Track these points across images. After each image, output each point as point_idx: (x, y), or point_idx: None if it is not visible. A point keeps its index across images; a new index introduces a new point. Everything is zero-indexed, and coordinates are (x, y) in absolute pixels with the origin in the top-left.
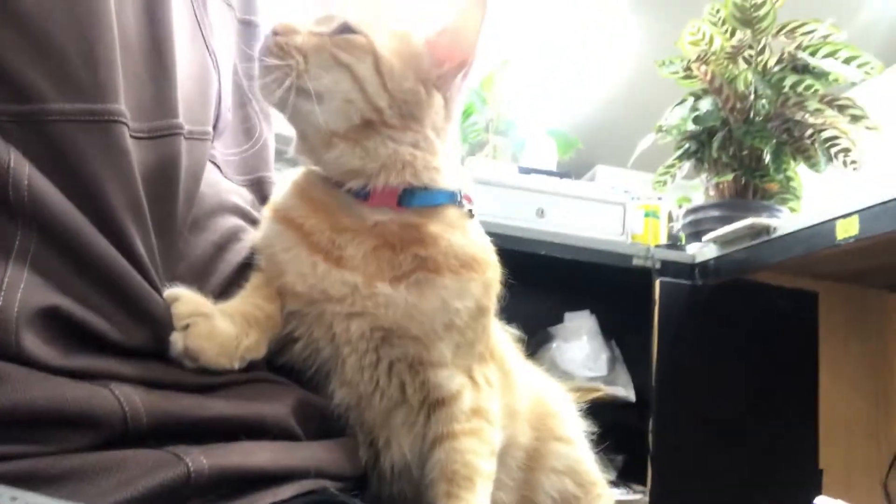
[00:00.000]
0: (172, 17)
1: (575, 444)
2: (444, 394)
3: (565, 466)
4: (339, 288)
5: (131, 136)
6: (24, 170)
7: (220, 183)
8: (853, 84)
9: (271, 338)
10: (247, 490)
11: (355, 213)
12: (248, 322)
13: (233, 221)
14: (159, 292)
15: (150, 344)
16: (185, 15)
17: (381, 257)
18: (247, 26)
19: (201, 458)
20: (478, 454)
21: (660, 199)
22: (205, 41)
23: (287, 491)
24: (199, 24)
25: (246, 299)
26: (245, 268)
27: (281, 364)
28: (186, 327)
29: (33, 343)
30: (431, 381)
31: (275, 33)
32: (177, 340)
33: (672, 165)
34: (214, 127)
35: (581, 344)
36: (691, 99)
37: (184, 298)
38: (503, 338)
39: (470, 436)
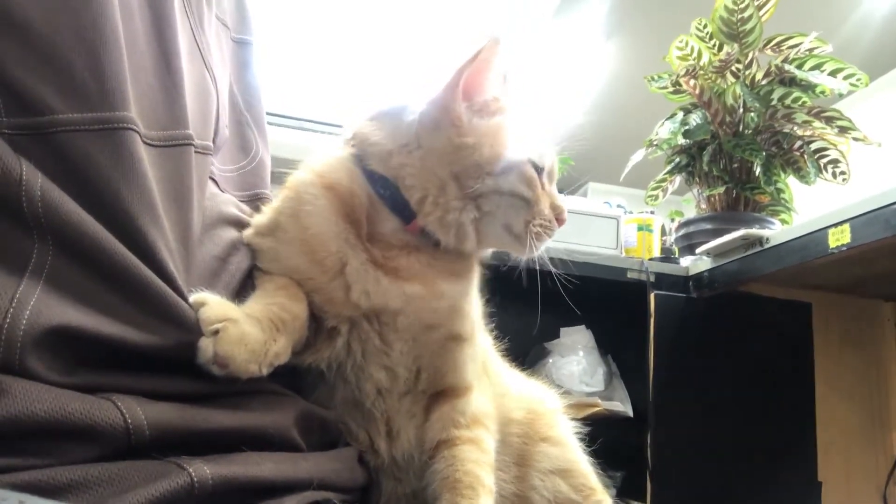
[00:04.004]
0: (178, 34)
1: (565, 446)
2: (456, 381)
3: (555, 467)
4: (397, 301)
5: (146, 144)
6: (37, 181)
7: (217, 196)
8: (841, 96)
9: (296, 339)
10: (250, 501)
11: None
12: (276, 326)
13: (232, 234)
14: (184, 298)
15: (175, 349)
16: (183, 34)
17: (430, 262)
18: (241, 45)
19: (204, 468)
20: (479, 464)
21: (652, 212)
22: (203, 59)
23: (290, 502)
24: (196, 43)
25: (271, 300)
26: (249, 278)
27: (307, 364)
28: (216, 333)
29: (36, 362)
30: (452, 361)
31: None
32: (206, 347)
33: (664, 180)
34: (213, 142)
35: (577, 359)
36: (681, 113)
37: (211, 303)
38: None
39: (470, 444)
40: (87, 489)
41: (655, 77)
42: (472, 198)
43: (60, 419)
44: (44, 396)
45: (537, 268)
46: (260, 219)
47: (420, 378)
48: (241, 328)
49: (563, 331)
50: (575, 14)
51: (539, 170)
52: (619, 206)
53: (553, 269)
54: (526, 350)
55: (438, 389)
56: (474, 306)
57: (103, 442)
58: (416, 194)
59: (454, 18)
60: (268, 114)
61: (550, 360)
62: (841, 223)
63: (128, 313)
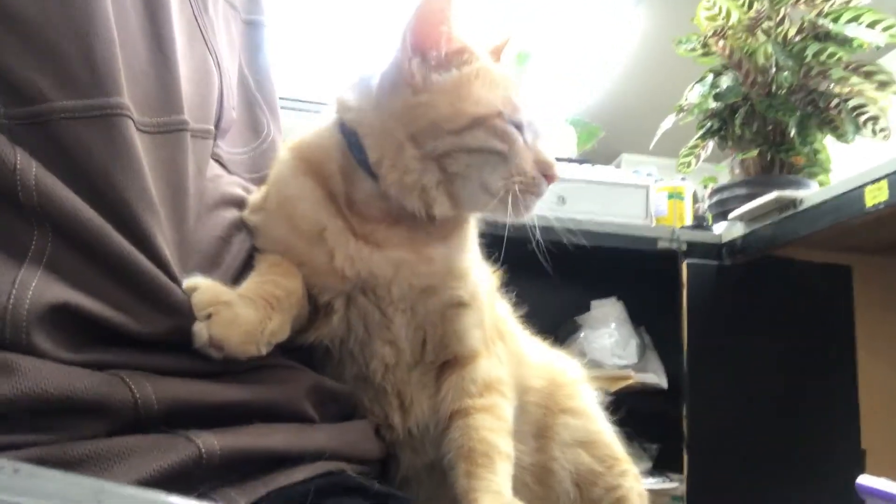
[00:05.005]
0: (173, 16)
1: (587, 417)
2: (461, 350)
3: (575, 439)
4: (386, 268)
5: (140, 130)
6: (31, 169)
7: (220, 177)
8: (878, 49)
9: (295, 315)
10: (260, 472)
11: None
12: (271, 304)
13: (234, 214)
14: (178, 283)
15: (171, 335)
16: (183, 16)
17: (411, 232)
18: (252, 26)
19: (213, 440)
20: (494, 431)
21: (683, 179)
22: (205, 41)
23: (301, 473)
24: (198, 26)
25: (264, 278)
26: (252, 258)
27: (311, 342)
28: (209, 317)
29: (43, 340)
30: (454, 330)
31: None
32: (201, 331)
33: (696, 146)
34: (217, 125)
35: (609, 331)
36: (711, 76)
37: (203, 287)
38: (501, 306)
39: (483, 412)
40: (96, 463)
41: (683, 39)
42: (432, 158)
43: (70, 395)
44: (53, 373)
45: (528, 236)
46: (255, 196)
47: (426, 350)
48: (234, 310)
49: (594, 303)
50: None
51: (517, 124)
52: (648, 174)
53: (562, 241)
54: (557, 324)
55: (445, 359)
56: (472, 267)
57: (113, 417)
58: (373, 156)
59: None
60: (285, 98)
61: (582, 334)
62: (878, 180)
63: (124, 300)
